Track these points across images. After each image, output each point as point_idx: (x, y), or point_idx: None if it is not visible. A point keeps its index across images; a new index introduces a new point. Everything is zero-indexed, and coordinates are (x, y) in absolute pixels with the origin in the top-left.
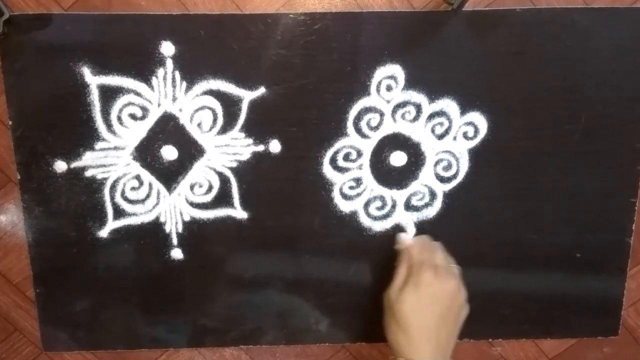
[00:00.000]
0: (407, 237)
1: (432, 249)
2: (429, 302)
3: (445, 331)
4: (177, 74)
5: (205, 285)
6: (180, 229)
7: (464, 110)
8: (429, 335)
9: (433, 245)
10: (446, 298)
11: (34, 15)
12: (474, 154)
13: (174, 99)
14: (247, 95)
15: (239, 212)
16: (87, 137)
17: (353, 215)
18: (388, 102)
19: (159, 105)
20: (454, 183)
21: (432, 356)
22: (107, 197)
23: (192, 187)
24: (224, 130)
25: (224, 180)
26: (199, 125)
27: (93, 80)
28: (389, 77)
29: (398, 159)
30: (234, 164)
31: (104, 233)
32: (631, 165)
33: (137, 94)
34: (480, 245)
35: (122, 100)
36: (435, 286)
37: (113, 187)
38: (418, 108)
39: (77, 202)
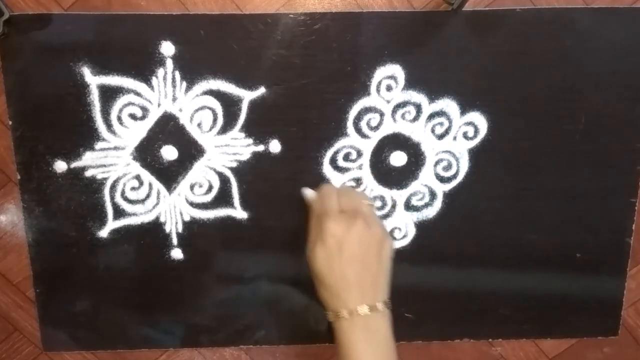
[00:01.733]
0: (309, 191)
1: (330, 195)
2: (337, 251)
3: (367, 274)
4: (177, 74)
5: (205, 285)
6: (180, 229)
7: (464, 110)
8: (348, 284)
9: (332, 191)
10: (355, 242)
11: (34, 15)
12: (474, 154)
13: (174, 99)
14: (247, 95)
15: (239, 212)
16: (87, 137)
17: None
18: (388, 102)
19: (159, 105)
20: (454, 183)
21: (357, 302)
22: (107, 197)
23: (192, 187)
24: (224, 130)
25: (224, 180)
26: (199, 125)
27: (93, 80)
28: (389, 77)
29: (398, 159)
30: (234, 164)
31: (104, 233)
32: (631, 165)
33: (137, 94)
34: (480, 245)
35: (122, 100)
36: (340, 234)
37: (113, 187)
38: (418, 108)
39: (77, 202)
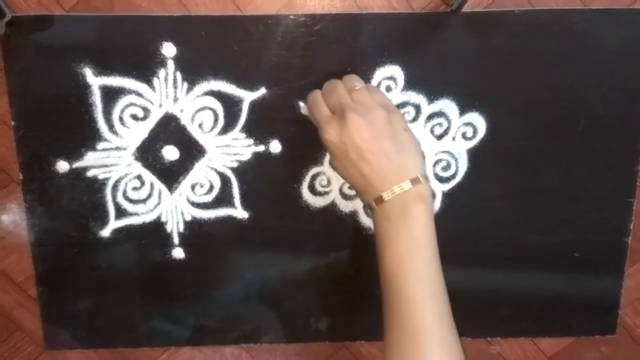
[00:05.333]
0: (303, 106)
1: (316, 102)
2: (344, 155)
3: (383, 159)
4: (179, 75)
5: (206, 284)
6: (181, 229)
7: (462, 110)
8: (367, 179)
9: (316, 97)
10: (354, 138)
11: (36, 17)
12: (473, 154)
13: (175, 99)
14: (248, 96)
15: (239, 212)
16: (89, 138)
17: (353, 215)
18: None
19: (160, 105)
20: (453, 183)
21: (382, 189)
22: (108, 197)
23: (193, 187)
24: (225, 130)
25: (225, 180)
26: (200, 125)
27: (95, 81)
28: (388, 77)
29: None
30: (235, 164)
31: (105, 233)
32: (630, 166)
33: (139, 94)
34: (479, 244)
35: (123, 101)
36: (336, 139)
37: (115, 187)
38: (417, 108)
39: (79, 202)
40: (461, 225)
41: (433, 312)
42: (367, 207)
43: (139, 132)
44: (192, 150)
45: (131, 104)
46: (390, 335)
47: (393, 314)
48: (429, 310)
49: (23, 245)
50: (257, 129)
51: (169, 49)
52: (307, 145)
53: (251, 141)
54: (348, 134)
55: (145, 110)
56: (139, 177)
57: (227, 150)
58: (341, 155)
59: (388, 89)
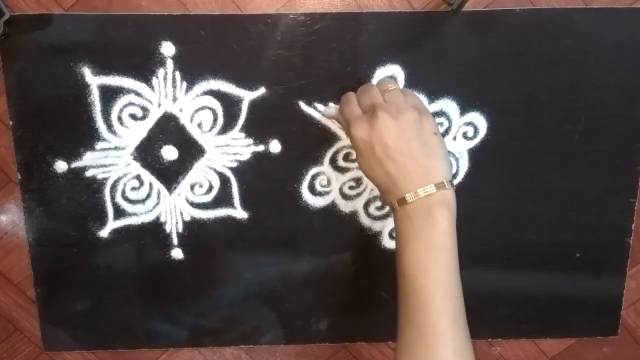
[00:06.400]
0: (332, 107)
1: (349, 102)
2: (370, 153)
3: (410, 162)
4: (178, 74)
5: (205, 285)
6: (180, 229)
7: (463, 110)
8: (392, 179)
9: (349, 97)
10: (383, 137)
11: (35, 16)
12: (474, 154)
13: (174, 99)
14: (247, 96)
15: (239, 212)
16: (87, 137)
17: (353, 215)
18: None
19: (159, 105)
20: (454, 183)
21: (406, 191)
22: (107, 197)
23: (192, 187)
24: (224, 130)
25: (224, 180)
26: (199, 125)
27: (93, 80)
28: (388, 77)
29: None
30: (234, 164)
31: (104, 233)
32: (631, 165)
33: (138, 94)
34: (480, 245)
35: (122, 101)
36: (366, 136)
37: (113, 187)
38: None
39: (78, 202)
40: (462, 225)
41: (449, 317)
42: (390, 207)
43: (137, 132)
44: (191, 150)
45: (130, 104)
46: (403, 335)
47: (409, 315)
48: (445, 314)
49: (21, 245)
50: (256, 129)
51: (168, 48)
52: (307, 145)
53: (251, 141)
54: (377, 131)
55: (144, 109)
56: (138, 177)
57: (226, 150)
58: (368, 152)
59: None
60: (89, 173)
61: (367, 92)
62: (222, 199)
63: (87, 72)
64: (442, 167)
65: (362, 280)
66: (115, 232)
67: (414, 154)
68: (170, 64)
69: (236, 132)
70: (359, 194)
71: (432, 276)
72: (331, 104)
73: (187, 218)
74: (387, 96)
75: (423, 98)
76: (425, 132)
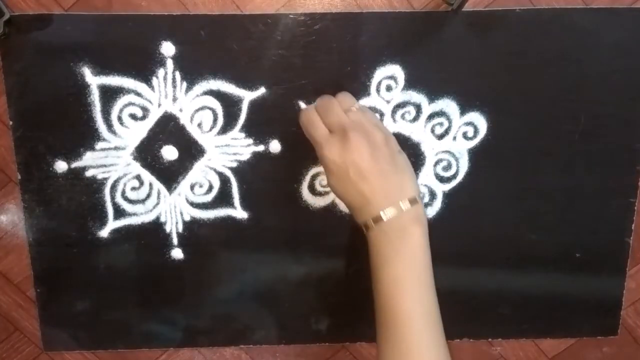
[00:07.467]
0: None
1: (312, 121)
2: (344, 175)
3: (382, 180)
4: (178, 74)
5: (205, 285)
6: (180, 229)
7: (463, 110)
8: (366, 198)
9: (311, 116)
10: (356, 158)
11: (35, 16)
12: (474, 154)
13: (175, 99)
14: (247, 96)
15: (239, 212)
16: (87, 137)
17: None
18: (388, 102)
19: (159, 105)
20: (454, 183)
21: (380, 208)
22: (107, 197)
23: (192, 187)
24: (224, 130)
25: (224, 180)
26: (199, 125)
27: (93, 80)
28: (388, 77)
29: None
30: (234, 164)
31: (104, 233)
32: (631, 165)
33: (138, 94)
34: (480, 245)
35: (122, 101)
36: (338, 159)
37: (113, 187)
38: (418, 108)
39: (78, 202)
40: (462, 225)
41: (427, 332)
42: (363, 226)
43: (137, 132)
44: (191, 150)
45: (130, 104)
46: (384, 352)
47: (387, 331)
48: (423, 330)
49: (21, 245)
50: (256, 129)
51: (168, 48)
52: (307, 145)
53: (251, 141)
54: (350, 153)
55: (144, 109)
56: (138, 177)
57: (226, 150)
58: (341, 174)
59: (388, 88)
60: (89, 173)
61: (330, 110)
62: (222, 199)
63: (87, 72)
64: (412, 182)
65: (362, 280)
66: (115, 232)
67: (385, 173)
68: (170, 64)
69: (236, 132)
70: None
71: (409, 293)
72: (302, 103)
73: (187, 218)
74: (352, 116)
75: (423, 98)
76: (392, 151)
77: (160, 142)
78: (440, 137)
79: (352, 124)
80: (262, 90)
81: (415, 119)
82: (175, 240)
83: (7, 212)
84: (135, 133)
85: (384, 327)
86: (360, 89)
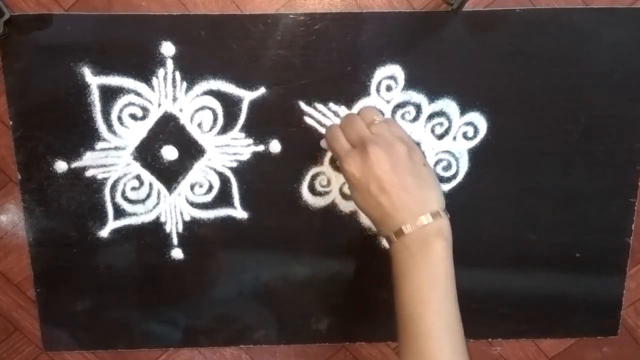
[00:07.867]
0: (323, 141)
1: (335, 136)
2: (365, 189)
3: (404, 194)
4: (178, 74)
5: (205, 285)
6: (180, 229)
7: (463, 110)
8: (386, 212)
9: (335, 131)
10: (377, 172)
11: (35, 16)
12: (474, 154)
13: (174, 99)
14: (247, 96)
15: (239, 212)
16: (87, 137)
17: (353, 215)
18: (388, 102)
19: (159, 105)
20: (454, 183)
21: (402, 222)
22: (107, 197)
23: (192, 187)
24: (224, 130)
25: (224, 180)
26: (199, 125)
27: (93, 80)
28: (388, 77)
29: None
30: (234, 164)
31: (104, 233)
32: (631, 165)
33: (138, 94)
34: (480, 245)
35: (122, 101)
36: (359, 173)
37: (113, 187)
38: (418, 108)
39: (78, 202)
40: (462, 225)
41: (449, 346)
42: (386, 239)
43: (137, 132)
44: (191, 150)
45: (130, 104)
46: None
47: (409, 345)
48: (445, 344)
49: (21, 245)
50: (256, 129)
51: (168, 48)
52: (307, 145)
53: (251, 141)
54: (369, 166)
55: (144, 109)
56: (138, 177)
57: (226, 150)
58: (362, 187)
59: (388, 88)
60: (89, 173)
61: (352, 125)
62: (222, 199)
63: (87, 72)
64: (436, 196)
65: (362, 280)
66: (115, 232)
67: (407, 186)
68: (170, 64)
69: (236, 132)
70: None
71: (430, 307)
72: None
73: (187, 218)
74: (374, 129)
75: (423, 98)
76: (416, 163)
77: (160, 142)
78: (440, 137)
79: (373, 138)
80: (262, 90)
81: (415, 119)
82: (175, 240)
83: (7, 212)
84: (135, 133)
85: (404, 337)
86: (360, 89)
